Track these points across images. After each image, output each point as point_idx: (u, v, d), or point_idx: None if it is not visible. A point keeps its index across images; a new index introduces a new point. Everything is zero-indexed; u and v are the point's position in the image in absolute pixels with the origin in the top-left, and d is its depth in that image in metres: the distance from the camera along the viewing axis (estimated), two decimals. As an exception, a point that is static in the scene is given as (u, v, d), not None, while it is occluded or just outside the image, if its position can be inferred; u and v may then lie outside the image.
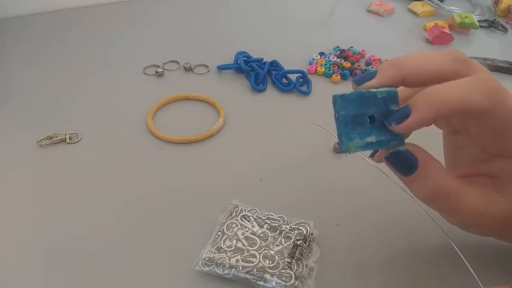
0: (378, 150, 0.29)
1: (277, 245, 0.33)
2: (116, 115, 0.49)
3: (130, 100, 0.52)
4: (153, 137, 0.46)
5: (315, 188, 0.40)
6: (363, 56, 0.61)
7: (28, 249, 0.35)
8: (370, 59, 0.59)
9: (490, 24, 0.70)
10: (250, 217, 0.35)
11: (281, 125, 0.48)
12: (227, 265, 0.31)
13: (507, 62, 0.59)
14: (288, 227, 0.35)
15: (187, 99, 0.52)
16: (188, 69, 0.58)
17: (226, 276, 0.31)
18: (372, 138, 0.26)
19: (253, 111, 0.51)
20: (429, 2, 0.75)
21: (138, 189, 0.40)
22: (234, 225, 0.35)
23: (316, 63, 0.58)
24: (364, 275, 0.33)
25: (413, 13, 0.74)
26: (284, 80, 0.55)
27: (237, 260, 0.32)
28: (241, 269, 0.31)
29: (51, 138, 0.45)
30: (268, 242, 0.33)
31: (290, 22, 0.71)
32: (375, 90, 0.26)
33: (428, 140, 0.29)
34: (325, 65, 0.58)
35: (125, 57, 0.60)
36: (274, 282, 0.30)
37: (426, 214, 0.31)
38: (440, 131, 0.32)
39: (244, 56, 0.57)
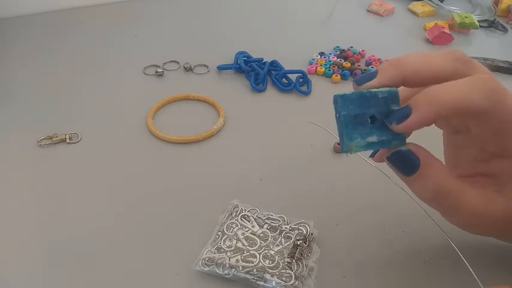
0: (379, 150, 0.29)
1: (277, 245, 0.33)
2: (116, 115, 0.49)
3: (130, 100, 0.52)
4: (153, 137, 0.46)
5: (315, 188, 0.40)
6: (363, 56, 0.61)
7: (28, 249, 0.35)
8: (370, 59, 0.59)
9: (490, 24, 0.70)
10: (250, 217, 0.35)
11: (281, 125, 0.48)
12: (227, 265, 0.31)
13: (507, 62, 0.59)
14: (288, 227, 0.34)
15: (187, 99, 0.52)
16: (188, 69, 0.58)
17: (226, 276, 0.31)
18: (373, 138, 0.26)
19: (253, 111, 0.51)
20: (429, 2, 0.75)
21: (138, 189, 0.40)
22: (234, 225, 0.35)
23: (316, 63, 0.58)
24: (364, 275, 0.33)
25: (413, 13, 0.74)
26: (284, 80, 0.55)
27: (237, 260, 0.32)
28: (241, 269, 0.31)
29: (51, 138, 0.45)
30: (268, 242, 0.33)
31: (290, 22, 0.71)
32: (376, 90, 0.26)
33: (429, 140, 0.29)
34: (325, 65, 0.58)
35: (125, 57, 0.60)
36: (274, 282, 0.30)
37: (426, 214, 0.31)
38: (440, 131, 0.32)
39: (244, 56, 0.57)
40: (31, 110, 0.50)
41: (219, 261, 0.32)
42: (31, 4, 0.71)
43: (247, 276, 0.31)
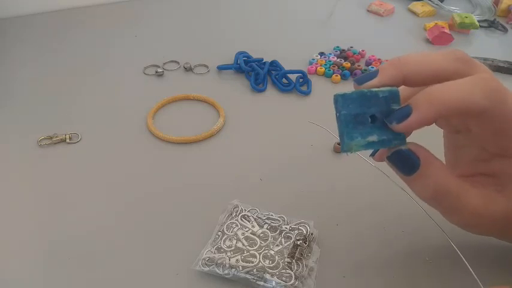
0: (379, 150, 0.29)
1: (277, 245, 0.33)
2: (116, 115, 0.49)
3: (130, 100, 0.52)
4: (153, 137, 0.46)
5: (315, 188, 0.40)
6: (363, 56, 0.61)
7: (28, 249, 0.35)
8: (370, 59, 0.59)
9: (490, 24, 0.70)
10: (250, 217, 0.35)
11: (281, 125, 0.48)
12: (227, 265, 0.31)
13: (507, 62, 0.59)
14: (288, 227, 0.34)
15: (187, 99, 0.52)
16: (188, 69, 0.58)
17: (226, 276, 0.31)
18: (373, 138, 0.26)
19: (253, 111, 0.51)
20: (429, 2, 0.75)
21: (138, 189, 0.40)
22: (234, 225, 0.35)
23: (316, 63, 0.58)
24: (364, 275, 0.33)
25: (413, 13, 0.74)
26: (284, 80, 0.55)
27: (237, 260, 0.32)
28: (241, 269, 0.31)
29: (51, 138, 0.45)
30: (268, 242, 0.33)
31: (290, 22, 0.71)
32: (377, 89, 0.26)
33: (429, 140, 0.29)
34: (325, 65, 0.58)
35: (125, 57, 0.60)
36: (274, 282, 0.30)
37: (426, 214, 0.31)
38: (441, 130, 0.32)
39: (244, 56, 0.57)
40: (31, 110, 0.50)
41: (219, 261, 0.32)
42: (31, 4, 0.71)
43: (247, 276, 0.31)
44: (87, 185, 0.41)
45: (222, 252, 0.32)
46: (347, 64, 0.58)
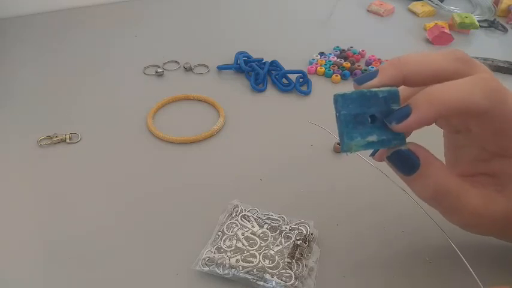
0: (379, 150, 0.29)
1: (277, 245, 0.33)
2: (116, 115, 0.49)
3: (130, 100, 0.52)
4: (153, 137, 0.46)
5: (315, 188, 0.40)
6: (363, 56, 0.61)
7: (28, 249, 0.35)
8: (370, 59, 0.59)
9: (490, 24, 0.70)
10: (250, 217, 0.35)
11: (281, 125, 0.48)
12: (227, 265, 0.31)
13: (507, 62, 0.59)
14: (288, 227, 0.34)
15: (187, 99, 0.52)
16: (188, 69, 0.58)
17: (226, 276, 0.31)
18: (373, 138, 0.26)
19: (253, 111, 0.51)
20: (429, 2, 0.75)
21: (138, 189, 0.40)
22: (234, 225, 0.35)
23: (316, 63, 0.58)
24: (364, 275, 0.33)
25: (413, 13, 0.74)
26: (284, 80, 0.55)
27: (237, 260, 0.32)
28: (241, 269, 0.31)
29: (51, 138, 0.45)
30: (268, 242, 0.33)
31: (290, 22, 0.71)
32: (376, 89, 0.26)
33: (429, 140, 0.29)
34: (325, 65, 0.58)
35: (125, 57, 0.60)
36: (274, 282, 0.30)
37: (426, 214, 0.31)
38: (441, 130, 0.32)
39: (244, 56, 0.57)
40: (31, 110, 0.50)
41: (219, 261, 0.32)
42: (31, 4, 0.71)
43: (247, 276, 0.31)
44: (87, 185, 0.41)
45: (222, 252, 0.32)
46: (347, 64, 0.58)
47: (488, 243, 0.32)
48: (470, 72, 0.26)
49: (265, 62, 0.57)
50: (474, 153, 0.29)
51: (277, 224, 0.35)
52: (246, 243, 0.33)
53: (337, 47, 0.62)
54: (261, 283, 0.31)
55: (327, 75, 0.57)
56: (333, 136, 0.31)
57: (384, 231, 0.36)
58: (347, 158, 0.44)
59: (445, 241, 0.29)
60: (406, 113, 0.25)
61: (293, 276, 0.31)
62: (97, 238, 0.35)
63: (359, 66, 0.58)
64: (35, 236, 0.36)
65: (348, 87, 0.52)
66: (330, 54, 0.61)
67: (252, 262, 0.32)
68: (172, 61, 0.59)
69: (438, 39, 0.64)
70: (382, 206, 0.38)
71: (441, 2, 0.75)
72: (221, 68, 0.57)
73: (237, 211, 0.36)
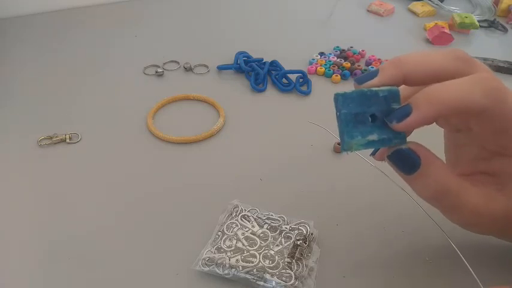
0: (379, 149, 0.29)
1: (277, 245, 0.33)
2: (116, 115, 0.49)
3: (130, 100, 0.52)
4: (153, 137, 0.46)
5: (315, 188, 0.40)
6: (363, 56, 0.61)
7: (28, 249, 0.35)
8: (370, 59, 0.59)
9: (490, 24, 0.70)
10: (250, 217, 0.35)
11: (281, 125, 0.48)
12: (227, 265, 0.31)
13: (507, 62, 0.59)
14: (288, 227, 0.34)
15: (187, 99, 0.52)
16: (188, 69, 0.58)
17: (226, 276, 0.31)
18: (373, 137, 0.26)
19: (253, 111, 0.51)
20: (429, 2, 0.75)
21: (138, 189, 0.40)
22: (234, 225, 0.35)
23: (316, 63, 0.58)
24: (364, 275, 0.33)
25: (413, 13, 0.74)
26: (284, 80, 0.55)
27: (237, 260, 0.32)
28: (241, 269, 0.31)
29: (51, 138, 0.45)
30: (268, 242, 0.33)
31: (290, 22, 0.71)
32: (377, 88, 0.26)
33: (429, 139, 0.29)
34: (325, 65, 0.58)
35: (125, 57, 0.60)
36: (274, 282, 0.30)
37: (426, 214, 0.31)
38: (441, 130, 0.32)
39: (244, 56, 0.57)
40: (31, 110, 0.50)
41: (219, 261, 0.32)
42: (31, 4, 0.71)
43: (247, 276, 0.31)
44: (87, 185, 0.41)
45: (222, 252, 0.32)
46: (347, 64, 0.58)
47: (488, 243, 0.32)
48: (470, 72, 0.26)
49: (265, 62, 0.57)
50: (474, 152, 0.29)
51: (277, 224, 0.35)
52: (246, 243, 0.33)
53: (337, 47, 0.62)
54: (261, 283, 0.31)
55: (327, 75, 0.57)
56: (333, 136, 0.31)
57: (384, 231, 0.36)
58: (347, 158, 0.44)
59: (445, 241, 0.29)
60: (406, 112, 0.25)
61: (293, 276, 0.31)
62: (97, 238, 0.35)
63: (359, 66, 0.58)
64: (35, 235, 0.36)
65: (348, 87, 0.52)
66: (330, 54, 0.61)
67: (252, 262, 0.32)
68: (172, 61, 0.59)
69: (438, 39, 0.64)
70: (382, 206, 0.38)
71: (441, 2, 0.75)
72: (221, 68, 0.57)
73: (237, 211, 0.36)
